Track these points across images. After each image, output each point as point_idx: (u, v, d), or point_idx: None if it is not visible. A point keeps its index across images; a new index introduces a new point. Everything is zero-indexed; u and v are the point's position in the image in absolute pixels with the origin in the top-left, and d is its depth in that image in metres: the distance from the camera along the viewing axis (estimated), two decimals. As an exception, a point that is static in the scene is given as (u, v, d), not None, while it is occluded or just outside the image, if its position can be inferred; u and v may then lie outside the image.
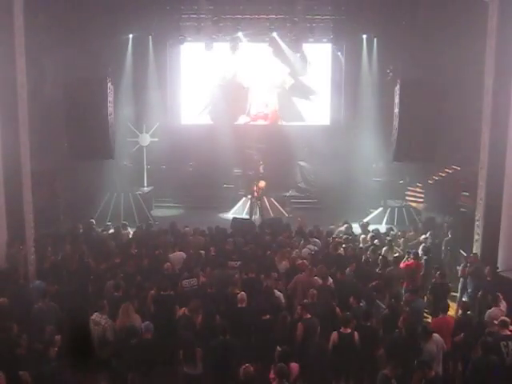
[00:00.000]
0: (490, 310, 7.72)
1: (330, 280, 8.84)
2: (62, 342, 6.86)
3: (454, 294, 9.76)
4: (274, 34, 17.97)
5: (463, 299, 9.18)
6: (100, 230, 12.83)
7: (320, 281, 8.64)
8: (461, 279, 9.73)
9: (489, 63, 10.15)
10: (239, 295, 7.82)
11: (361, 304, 7.87)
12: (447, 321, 7.44)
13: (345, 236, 11.92)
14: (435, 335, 6.88)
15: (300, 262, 9.46)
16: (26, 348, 6.79)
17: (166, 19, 17.08)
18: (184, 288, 8.62)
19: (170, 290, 8.29)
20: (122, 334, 7.24)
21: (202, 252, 10.40)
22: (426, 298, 9.13)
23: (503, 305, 7.82)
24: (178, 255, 10.13)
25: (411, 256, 9.97)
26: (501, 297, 7.88)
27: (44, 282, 8.77)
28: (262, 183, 16.01)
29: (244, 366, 6.11)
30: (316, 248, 10.77)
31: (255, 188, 15.95)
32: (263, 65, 19.04)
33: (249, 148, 18.53)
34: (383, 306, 7.97)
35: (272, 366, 6.15)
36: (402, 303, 8.11)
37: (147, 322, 7.31)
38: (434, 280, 9.24)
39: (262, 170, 16.99)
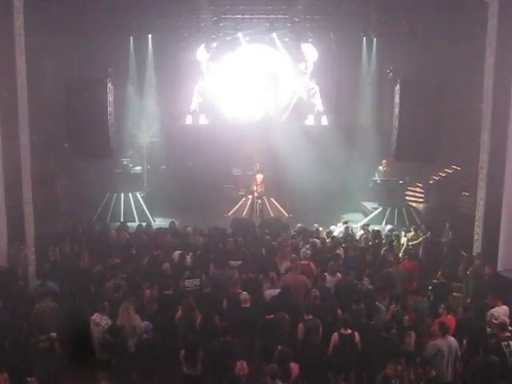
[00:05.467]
0: (493, 310, 7.71)
1: (328, 280, 8.86)
2: (62, 342, 6.90)
3: (455, 294, 9.75)
4: (274, 34, 17.97)
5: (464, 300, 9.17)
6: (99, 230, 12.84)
7: (308, 281, 8.63)
8: (462, 279, 9.73)
9: (489, 63, 10.14)
10: (242, 295, 7.82)
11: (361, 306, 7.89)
12: (449, 321, 7.42)
13: (345, 236, 11.95)
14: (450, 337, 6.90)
15: (303, 262, 9.44)
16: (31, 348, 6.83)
17: (166, 19, 17.06)
18: (186, 288, 8.63)
19: (170, 290, 8.32)
20: (121, 334, 7.25)
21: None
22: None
23: (503, 309, 7.80)
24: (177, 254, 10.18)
25: (406, 257, 10.00)
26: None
27: (55, 283, 8.80)
28: (260, 177, 16.00)
29: (239, 363, 6.12)
30: (308, 247, 10.75)
31: (255, 187, 15.93)
32: (263, 64, 19.03)
33: (249, 148, 18.51)
34: (383, 308, 7.97)
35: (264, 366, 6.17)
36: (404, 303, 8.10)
37: (146, 322, 7.32)
38: (435, 280, 9.24)
39: (257, 168, 17.04)
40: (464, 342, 7.13)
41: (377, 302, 8.02)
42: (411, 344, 7.15)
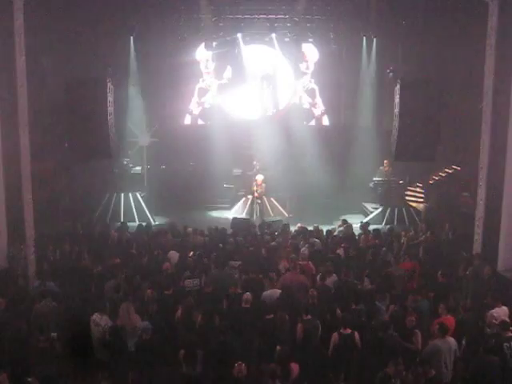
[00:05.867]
0: (492, 311, 7.70)
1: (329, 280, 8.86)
2: (62, 342, 6.90)
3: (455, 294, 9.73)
4: (274, 35, 17.98)
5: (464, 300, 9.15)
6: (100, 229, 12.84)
7: (307, 280, 8.63)
8: (462, 279, 9.72)
9: (489, 63, 10.14)
10: (244, 296, 7.83)
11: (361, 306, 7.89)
12: (448, 321, 7.42)
13: (345, 236, 11.94)
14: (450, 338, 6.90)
15: (302, 262, 9.44)
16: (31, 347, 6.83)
17: (166, 19, 17.07)
18: (186, 288, 8.63)
19: (170, 290, 8.31)
20: (121, 334, 7.25)
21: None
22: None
23: (503, 310, 7.79)
24: (175, 254, 10.17)
25: (406, 257, 10.00)
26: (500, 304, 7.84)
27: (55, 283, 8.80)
28: (260, 177, 15.99)
29: (237, 364, 6.11)
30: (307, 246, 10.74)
31: (255, 188, 15.92)
32: (262, 65, 19.04)
33: (249, 148, 18.51)
34: (383, 308, 7.97)
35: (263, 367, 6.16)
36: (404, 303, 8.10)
37: (146, 322, 7.32)
38: (435, 280, 9.22)
39: (257, 168, 17.00)
40: (463, 342, 7.13)
41: (377, 302, 8.01)
42: (419, 342, 7.14)
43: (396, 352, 6.54)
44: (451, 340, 6.89)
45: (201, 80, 19.38)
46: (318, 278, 8.96)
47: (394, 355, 6.34)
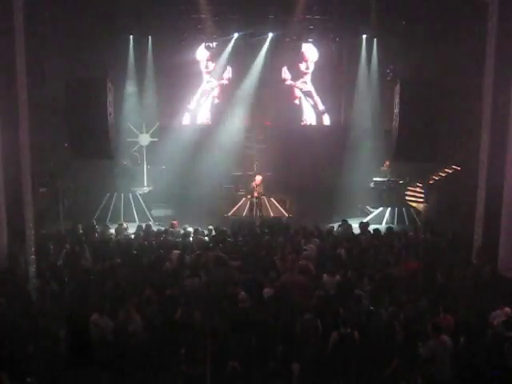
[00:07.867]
0: (494, 312, 7.69)
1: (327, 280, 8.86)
2: (62, 342, 6.89)
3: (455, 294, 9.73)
4: (274, 34, 17.99)
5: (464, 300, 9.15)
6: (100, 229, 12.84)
7: (307, 280, 8.63)
8: (461, 279, 9.71)
9: (489, 63, 10.14)
10: (240, 295, 7.82)
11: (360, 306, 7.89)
12: (448, 321, 7.42)
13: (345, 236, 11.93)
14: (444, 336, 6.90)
15: (302, 262, 9.43)
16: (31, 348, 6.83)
17: (166, 19, 17.09)
18: (186, 288, 8.63)
19: (170, 290, 8.31)
20: (121, 334, 7.25)
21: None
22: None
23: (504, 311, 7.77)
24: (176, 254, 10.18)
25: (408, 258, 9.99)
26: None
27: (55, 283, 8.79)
28: (259, 178, 16.00)
29: (231, 363, 6.12)
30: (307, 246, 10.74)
31: (255, 187, 15.93)
32: (262, 64, 19.03)
33: (249, 148, 18.51)
34: (383, 308, 7.96)
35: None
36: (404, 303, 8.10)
37: (146, 322, 7.31)
38: (435, 280, 9.23)
39: (255, 168, 17.01)
40: (462, 342, 7.12)
41: (376, 302, 8.01)
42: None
43: (395, 351, 6.55)
44: (446, 339, 6.87)
45: (204, 80, 19.41)
46: (318, 277, 8.96)
47: (393, 355, 6.34)
